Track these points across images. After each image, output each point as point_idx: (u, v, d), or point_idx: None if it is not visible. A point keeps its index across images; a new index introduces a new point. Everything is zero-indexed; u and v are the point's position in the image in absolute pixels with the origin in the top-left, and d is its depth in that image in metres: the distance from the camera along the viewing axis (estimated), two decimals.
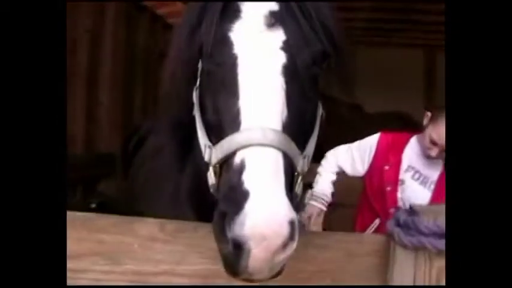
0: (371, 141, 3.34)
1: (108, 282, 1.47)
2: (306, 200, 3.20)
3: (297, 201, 1.34)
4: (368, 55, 7.62)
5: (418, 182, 3.14)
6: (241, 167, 1.21)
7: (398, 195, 3.13)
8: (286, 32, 1.37)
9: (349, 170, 3.36)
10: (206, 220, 1.63)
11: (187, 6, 1.49)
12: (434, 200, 3.04)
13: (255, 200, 1.14)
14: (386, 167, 3.21)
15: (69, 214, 1.39)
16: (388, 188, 3.15)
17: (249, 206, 1.13)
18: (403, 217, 1.44)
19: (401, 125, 7.00)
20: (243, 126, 1.27)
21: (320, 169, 3.36)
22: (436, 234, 1.30)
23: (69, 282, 1.32)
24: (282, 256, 1.16)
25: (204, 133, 1.45)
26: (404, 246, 1.36)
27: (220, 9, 1.39)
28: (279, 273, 1.23)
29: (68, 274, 1.32)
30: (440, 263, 1.35)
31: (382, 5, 6.64)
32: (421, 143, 3.16)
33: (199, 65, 1.47)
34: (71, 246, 1.39)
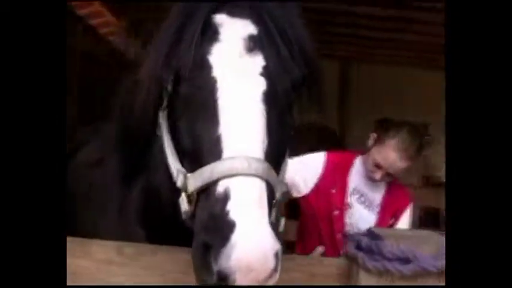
0: (316, 161, 3.13)
1: None
2: (281, 229, 3.02)
3: (277, 231, 1.33)
4: None
5: (363, 205, 3.07)
6: (225, 197, 1.18)
7: (346, 219, 3.04)
8: (266, 57, 1.36)
9: (293, 191, 3.12)
10: (157, 241, 1.60)
11: (165, 22, 1.44)
12: (379, 223, 3.00)
13: (241, 231, 1.12)
14: (333, 190, 3.06)
15: None
16: (336, 213, 3.03)
17: (236, 238, 1.12)
18: (364, 241, 1.46)
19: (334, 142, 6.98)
20: (225, 154, 1.24)
21: None
22: (400, 259, 1.33)
23: None
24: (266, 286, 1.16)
25: (176, 158, 1.40)
26: (368, 270, 1.38)
27: (200, 30, 1.36)
28: None
29: None
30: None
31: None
32: (364, 165, 3.03)
33: (169, 85, 1.42)
34: None
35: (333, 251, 2.94)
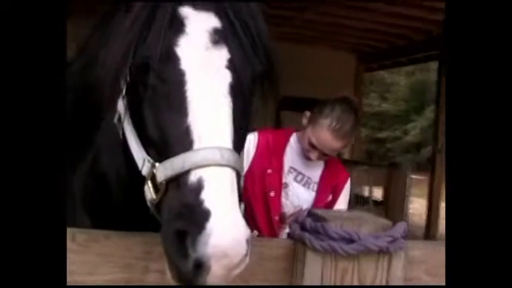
0: (247, 142, 2.80)
1: None
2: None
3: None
4: None
5: (301, 183, 3.03)
6: (199, 186, 1.22)
7: (283, 199, 3.01)
8: (230, 51, 1.40)
9: None
10: (102, 226, 1.63)
11: (130, 12, 1.43)
12: (318, 201, 3.01)
13: (216, 219, 1.18)
14: (269, 171, 3.00)
15: None
16: (272, 194, 2.99)
17: (211, 226, 1.17)
18: (309, 222, 1.56)
19: None
20: (196, 145, 1.28)
21: None
22: (344, 239, 1.45)
23: None
24: (237, 271, 1.23)
25: (141, 147, 1.41)
26: (315, 251, 1.48)
27: (169, 22, 1.37)
28: None
29: None
30: (343, 264, 1.51)
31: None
32: (300, 143, 2.99)
33: (127, 74, 1.43)
34: None
35: (270, 233, 2.94)
